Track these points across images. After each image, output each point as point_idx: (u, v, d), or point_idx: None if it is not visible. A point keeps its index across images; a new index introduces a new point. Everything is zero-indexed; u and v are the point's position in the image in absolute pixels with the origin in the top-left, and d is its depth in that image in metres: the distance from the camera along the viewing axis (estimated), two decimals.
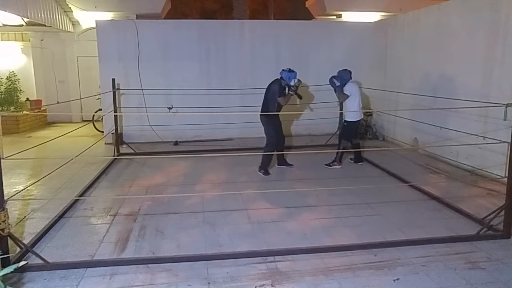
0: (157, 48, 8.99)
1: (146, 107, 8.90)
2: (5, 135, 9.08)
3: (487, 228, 3.98)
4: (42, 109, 11.62)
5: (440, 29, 7.12)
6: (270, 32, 9.48)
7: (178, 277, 3.27)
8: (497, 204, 4.29)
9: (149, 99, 8.84)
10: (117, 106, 8.10)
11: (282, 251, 3.66)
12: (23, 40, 12.14)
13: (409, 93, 7.23)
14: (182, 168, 6.82)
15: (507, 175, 3.89)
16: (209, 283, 3.19)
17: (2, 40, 12.05)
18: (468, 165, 6.27)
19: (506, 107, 3.97)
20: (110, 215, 4.65)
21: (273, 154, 6.32)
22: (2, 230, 3.17)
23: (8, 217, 3.25)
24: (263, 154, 6.17)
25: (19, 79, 11.47)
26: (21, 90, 11.44)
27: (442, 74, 7.05)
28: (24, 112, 10.87)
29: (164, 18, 12.01)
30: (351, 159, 7.06)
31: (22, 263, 2.80)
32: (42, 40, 12.00)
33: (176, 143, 8.89)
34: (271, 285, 3.15)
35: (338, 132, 7.67)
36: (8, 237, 3.27)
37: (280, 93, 6.02)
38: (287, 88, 6.11)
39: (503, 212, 3.95)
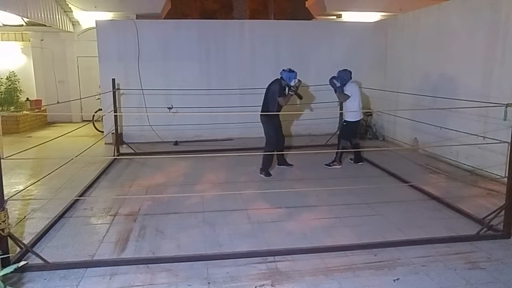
0: (157, 48, 8.99)
1: (146, 107, 8.90)
2: (5, 135, 9.08)
3: (487, 228, 3.98)
4: (42, 109, 11.63)
5: (440, 29, 7.12)
6: (270, 32, 9.48)
7: (178, 277, 3.27)
8: (497, 204, 4.29)
9: (149, 99, 8.84)
10: (117, 106, 8.10)
11: (282, 251, 3.66)
12: (23, 40, 12.15)
13: (409, 93, 7.23)
14: (182, 168, 6.82)
15: (507, 175, 3.89)
16: (209, 283, 3.19)
17: (2, 40, 12.05)
18: (468, 165, 6.27)
19: (506, 107, 3.97)
20: (110, 215, 4.65)
21: (273, 154, 6.32)
22: (2, 230, 3.17)
23: (8, 217, 3.25)
24: (263, 155, 6.17)
25: (19, 79, 11.47)
26: (21, 90, 11.44)
27: (442, 74, 7.05)
28: (24, 112, 10.87)
29: (164, 18, 12.01)
30: (351, 159, 7.06)
31: (22, 263, 2.80)
32: (42, 40, 12.00)
33: (176, 143, 8.89)
34: (271, 285, 3.15)
35: (338, 132, 7.67)
36: (8, 237, 3.27)
37: (280, 93, 6.01)
38: (287, 88, 6.10)
39: (503, 212, 3.95)
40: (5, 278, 2.54)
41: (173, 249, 3.79)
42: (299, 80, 6.01)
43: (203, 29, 9.16)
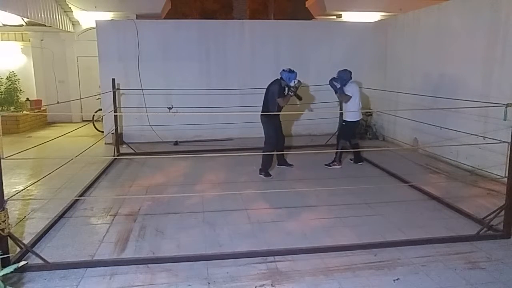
0: (157, 48, 8.99)
1: (146, 107, 8.90)
2: (5, 135, 9.08)
3: (487, 228, 3.98)
4: (42, 109, 11.63)
5: (440, 29, 7.12)
6: (270, 32, 9.48)
7: (178, 277, 3.27)
8: (497, 204, 4.29)
9: (149, 99, 8.84)
10: (117, 106, 8.10)
11: (282, 251, 3.66)
12: (23, 40, 12.14)
13: (409, 93, 7.23)
14: (182, 168, 6.82)
15: (507, 175, 3.89)
16: (209, 283, 3.19)
17: (2, 40, 12.05)
18: (468, 165, 6.27)
19: (506, 107, 3.97)
20: (110, 215, 4.65)
21: (273, 154, 6.32)
22: (2, 230, 3.17)
23: (8, 217, 3.25)
24: (263, 155, 6.16)
25: (19, 79, 11.47)
26: (21, 90, 11.44)
27: (442, 74, 7.05)
28: (24, 112, 10.87)
29: (164, 18, 12.01)
30: (351, 159, 7.06)
31: (22, 263, 2.80)
32: (42, 40, 12.00)
33: (176, 143, 8.89)
34: (271, 285, 3.15)
35: (337, 132, 7.67)
36: (8, 237, 3.27)
37: (279, 94, 5.99)
38: (286, 89, 6.09)
39: (503, 212, 3.95)
40: (5, 278, 2.54)
41: (173, 249, 3.79)
42: (299, 81, 5.99)
43: (203, 29, 9.16)
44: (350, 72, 6.52)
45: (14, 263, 2.98)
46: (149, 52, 8.90)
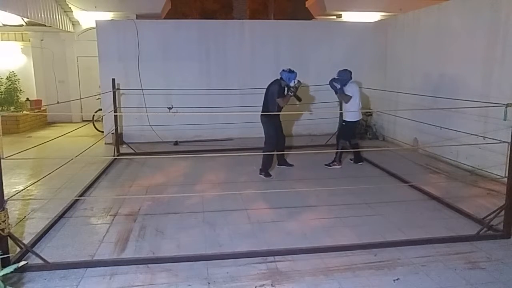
0: (157, 48, 8.99)
1: (146, 107, 8.90)
2: (5, 135, 9.08)
3: (487, 228, 3.98)
4: (42, 109, 11.62)
5: (440, 29, 7.12)
6: (270, 32, 9.48)
7: (178, 277, 3.27)
8: (497, 204, 4.29)
9: (149, 99, 8.84)
10: (117, 106, 8.10)
11: (282, 251, 3.66)
12: (23, 40, 12.15)
13: (409, 93, 7.23)
14: (182, 168, 6.82)
15: (507, 175, 3.89)
16: (209, 283, 3.19)
17: (2, 40, 12.05)
18: (468, 165, 6.27)
19: (506, 107, 3.97)
20: (110, 215, 4.65)
21: (273, 154, 6.31)
22: (2, 230, 3.17)
23: (8, 217, 3.25)
24: (263, 155, 6.16)
25: (19, 79, 11.48)
26: (21, 90, 11.44)
27: (442, 74, 7.05)
28: (24, 112, 10.87)
29: (164, 18, 12.01)
30: (351, 159, 7.06)
31: (22, 263, 2.79)
32: (42, 40, 12.00)
33: (176, 143, 8.89)
34: (271, 285, 3.15)
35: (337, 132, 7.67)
36: (8, 237, 3.27)
37: (279, 94, 5.98)
38: (286, 89, 6.09)
39: (503, 212, 3.95)
40: (5, 278, 2.54)
41: (173, 249, 3.79)
42: (298, 81, 5.99)
43: (203, 29, 9.16)
44: (350, 72, 6.52)
45: (14, 263, 2.98)
46: (149, 52, 8.90)
